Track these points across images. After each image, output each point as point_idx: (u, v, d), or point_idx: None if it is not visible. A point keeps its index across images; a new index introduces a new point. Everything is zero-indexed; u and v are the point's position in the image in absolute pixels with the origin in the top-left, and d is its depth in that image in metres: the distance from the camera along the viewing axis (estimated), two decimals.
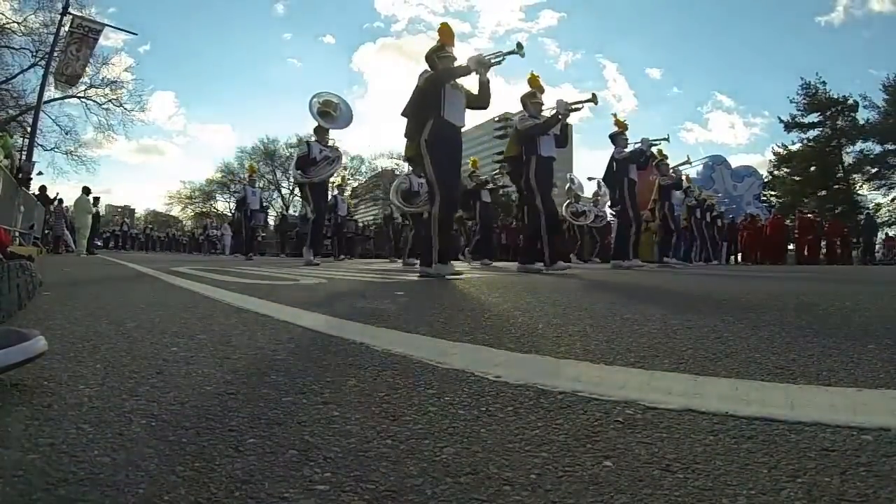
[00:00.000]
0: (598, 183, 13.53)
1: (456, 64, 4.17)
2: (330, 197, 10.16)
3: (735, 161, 24.32)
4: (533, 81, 5.60)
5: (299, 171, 6.75)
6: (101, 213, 14.22)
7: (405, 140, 4.40)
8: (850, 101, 24.86)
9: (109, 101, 20.00)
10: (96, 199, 13.09)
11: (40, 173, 12.35)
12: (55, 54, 12.67)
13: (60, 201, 12.74)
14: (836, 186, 25.28)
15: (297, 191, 36.36)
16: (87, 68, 16.13)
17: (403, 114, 4.25)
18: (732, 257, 14.85)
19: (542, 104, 5.56)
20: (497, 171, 9.20)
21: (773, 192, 25.91)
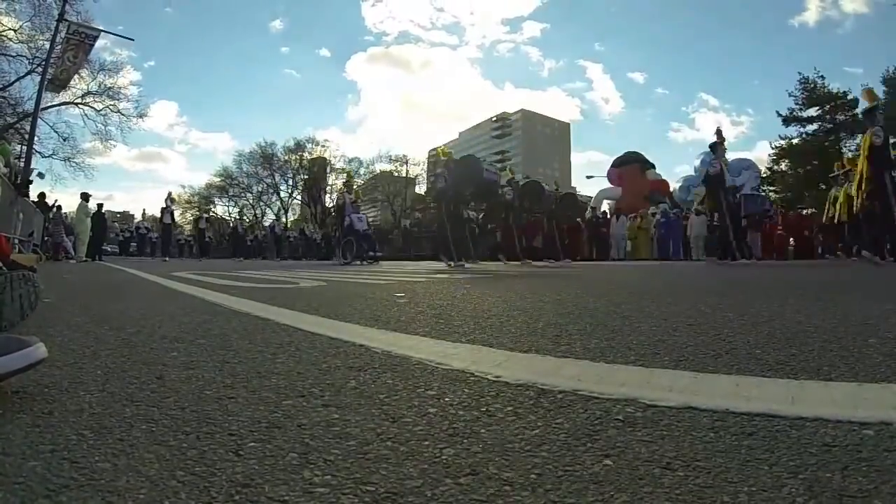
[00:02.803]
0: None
1: None
2: None
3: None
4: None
5: None
6: (106, 219, 13.99)
7: None
8: (850, 97, 24.88)
9: (107, 106, 20.02)
10: (100, 206, 13.12)
11: (41, 175, 12.33)
12: (51, 61, 12.67)
13: (59, 208, 12.76)
14: None
15: (296, 194, 36.48)
16: (82, 74, 16.17)
17: None
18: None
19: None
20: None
21: (772, 188, 25.87)
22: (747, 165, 23.07)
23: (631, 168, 23.17)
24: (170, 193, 14.17)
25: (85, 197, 12.05)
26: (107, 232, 14.67)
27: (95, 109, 19.89)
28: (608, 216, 14.77)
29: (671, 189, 22.05)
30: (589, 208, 14.71)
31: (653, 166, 23.53)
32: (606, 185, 23.27)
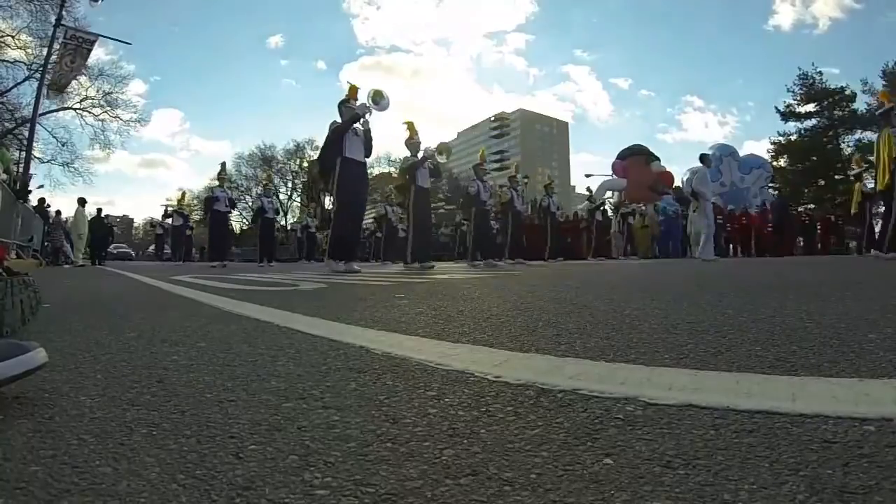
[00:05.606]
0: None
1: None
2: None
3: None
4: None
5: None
6: (106, 223, 13.79)
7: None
8: (848, 92, 24.95)
9: (105, 111, 20.05)
10: (99, 210, 13.14)
11: (41, 186, 12.33)
12: (49, 66, 12.69)
13: (58, 213, 12.79)
14: (836, 176, 25.29)
15: (295, 196, 36.42)
16: (80, 80, 16.18)
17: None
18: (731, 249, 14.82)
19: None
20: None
21: (772, 184, 25.88)
22: (758, 164, 22.65)
23: (635, 160, 23.12)
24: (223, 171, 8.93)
25: (82, 202, 12.11)
26: (108, 236, 14.51)
27: (94, 115, 19.93)
28: (607, 212, 14.67)
29: (676, 183, 22.00)
30: (586, 202, 14.65)
31: (657, 158, 23.50)
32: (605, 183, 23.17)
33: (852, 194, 9.14)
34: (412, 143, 6.86)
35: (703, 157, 8.97)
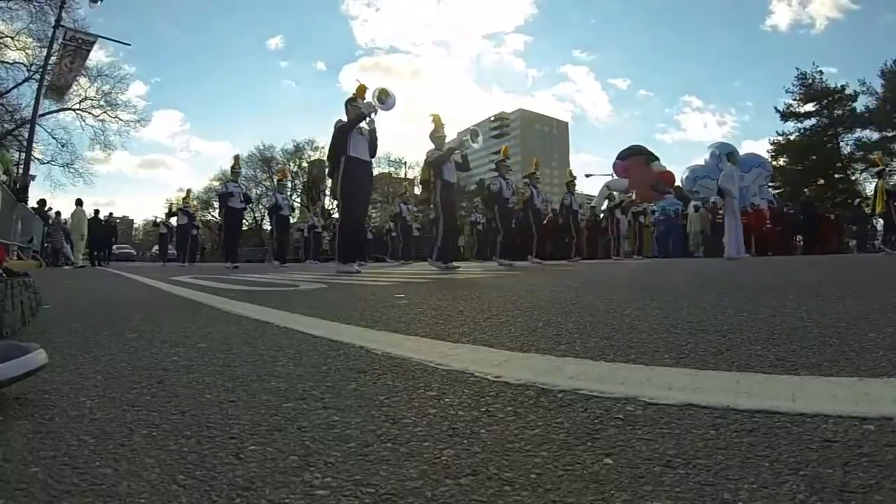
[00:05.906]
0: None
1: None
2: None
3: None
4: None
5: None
6: (113, 224, 13.70)
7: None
8: (848, 92, 24.99)
9: (105, 112, 20.07)
10: (96, 211, 13.16)
11: (34, 177, 12.28)
12: (49, 67, 12.70)
13: (58, 214, 12.81)
14: (836, 175, 25.31)
15: (294, 197, 36.47)
16: (80, 80, 16.18)
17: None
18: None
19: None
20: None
21: (772, 183, 25.86)
22: (758, 162, 22.58)
23: (636, 160, 23.16)
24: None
25: (79, 203, 12.15)
26: (111, 236, 14.47)
27: (94, 116, 19.94)
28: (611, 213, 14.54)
29: (676, 182, 22.05)
30: (605, 199, 14.51)
31: (657, 158, 23.55)
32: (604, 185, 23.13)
33: (876, 192, 9.46)
34: (437, 136, 6.49)
35: (729, 155, 9.00)
